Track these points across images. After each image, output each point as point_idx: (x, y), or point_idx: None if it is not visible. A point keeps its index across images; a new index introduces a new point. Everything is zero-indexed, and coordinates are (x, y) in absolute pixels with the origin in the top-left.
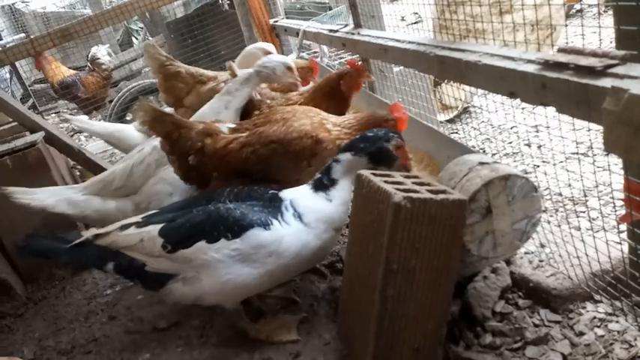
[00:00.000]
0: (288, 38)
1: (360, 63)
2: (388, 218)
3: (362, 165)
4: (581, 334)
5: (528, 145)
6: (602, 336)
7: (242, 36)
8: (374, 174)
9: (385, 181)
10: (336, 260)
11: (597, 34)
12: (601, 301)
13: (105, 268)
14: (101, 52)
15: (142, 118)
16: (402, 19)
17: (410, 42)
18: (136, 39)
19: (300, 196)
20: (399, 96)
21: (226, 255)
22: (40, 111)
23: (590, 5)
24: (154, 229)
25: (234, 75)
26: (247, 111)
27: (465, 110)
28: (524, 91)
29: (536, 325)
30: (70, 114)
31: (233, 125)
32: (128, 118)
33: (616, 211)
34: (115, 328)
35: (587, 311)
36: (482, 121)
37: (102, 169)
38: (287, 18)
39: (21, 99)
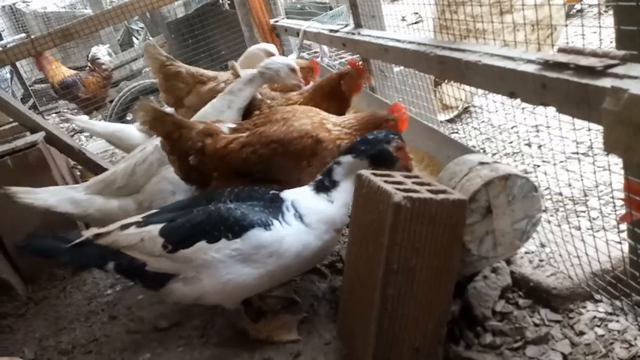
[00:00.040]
0: (289, 38)
1: (360, 63)
2: (388, 218)
3: (363, 167)
4: (582, 333)
5: (529, 145)
6: (603, 335)
7: (242, 36)
8: (374, 174)
9: (385, 181)
10: (337, 260)
11: (597, 34)
12: (601, 301)
13: (105, 267)
14: (101, 52)
15: (143, 118)
16: (403, 19)
17: (410, 42)
18: (137, 39)
19: (301, 197)
20: (399, 96)
21: (227, 255)
22: (40, 111)
23: (590, 5)
24: (155, 228)
25: (237, 75)
26: (248, 111)
27: (466, 110)
28: (525, 91)
29: (536, 325)
30: (71, 114)
31: (233, 125)
32: (128, 118)
33: (616, 210)
34: (116, 328)
35: (588, 311)
36: (483, 121)
37: (102, 169)
38: (287, 18)
39: (21, 99)
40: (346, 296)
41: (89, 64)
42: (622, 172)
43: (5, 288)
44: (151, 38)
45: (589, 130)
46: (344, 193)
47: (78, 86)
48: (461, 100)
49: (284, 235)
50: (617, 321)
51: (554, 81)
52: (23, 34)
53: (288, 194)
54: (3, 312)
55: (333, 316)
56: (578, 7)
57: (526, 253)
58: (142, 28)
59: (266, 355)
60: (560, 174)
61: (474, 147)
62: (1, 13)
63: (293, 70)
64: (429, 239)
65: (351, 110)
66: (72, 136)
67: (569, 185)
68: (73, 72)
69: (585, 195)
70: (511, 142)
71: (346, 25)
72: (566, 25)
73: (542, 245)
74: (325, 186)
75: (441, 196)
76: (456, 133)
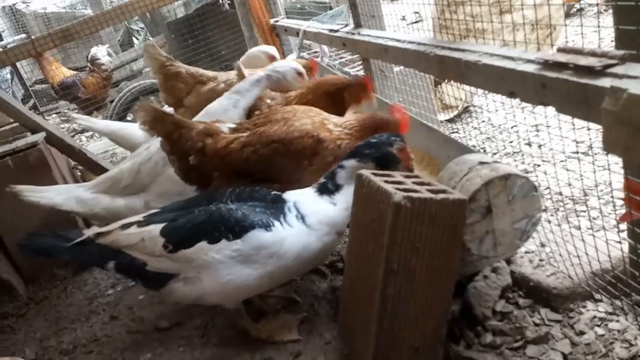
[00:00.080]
0: (289, 38)
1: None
2: (388, 218)
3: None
4: (582, 333)
5: (529, 145)
6: (603, 335)
7: (242, 36)
8: (374, 174)
9: (385, 181)
10: (337, 260)
11: (597, 33)
12: (601, 300)
13: (106, 266)
14: (101, 53)
15: (143, 118)
16: (403, 19)
17: (410, 42)
18: (137, 39)
19: (304, 198)
20: (399, 96)
21: (227, 256)
22: (41, 111)
23: (590, 5)
24: (155, 228)
25: (242, 76)
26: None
27: (466, 110)
28: (524, 90)
29: (536, 325)
30: (74, 113)
31: (233, 125)
32: (129, 118)
33: (616, 210)
34: (117, 328)
35: (588, 310)
36: (483, 121)
37: (103, 170)
38: (287, 18)
39: (22, 99)
40: (346, 296)
41: (89, 65)
42: (622, 171)
43: (6, 288)
44: (151, 38)
45: (589, 129)
46: (347, 196)
47: (77, 87)
48: (461, 99)
49: (285, 237)
50: (617, 320)
51: (553, 81)
52: (23, 35)
53: (291, 195)
54: (4, 312)
55: (333, 315)
56: (577, 6)
57: (526, 252)
58: (142, 28)
59: (267, 355)
60: (560, 173)
61: (474, 146)
62: (1, 14)
63: (300, 73)
64: (429, 239)
65: (351, 110)
66: (72, 136)
67: (569, 185)
68: (72, 72)
69: (585, 194)
70: (511, 142)
71: (346, 25)
72: (566, 25)
73: (543, 245)
74: (328, 189)
75: (441, 195)
76: (456, 132)
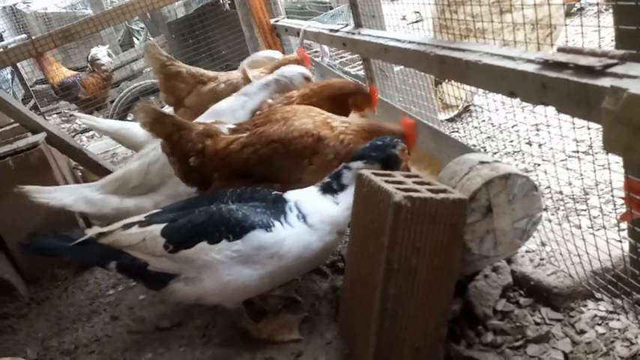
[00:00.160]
0: (289, 38)
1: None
2: (389, 218)
3: None
4: (582, 332)
5: (529, 144)
6: (603, 334)
7: (243, 36)
8: (375, 173)
9: (386, 181)
10: (338, 259)
11: (597, 32)
12: (602, 299)
13: (108, 266)
14: (101, 53)
15: (143, 119)
16: (403, 19)
17: (410, 42)
18: (137, 39)
19: (305, 197)
20: (399, 95)
21: (227, 256)
22: (41, 112)
23: (590, 4)
24: (156, 228)
25: (246, 79)
26: None
27: (466, 109)
28: (524, 90)
29: (537, 324)
30: (71, 115)
31: (233, 126)
32: (129, 119)
33: (616, 209)
34: (118, 328)
35: (588, 309)
36: (483, 120)
37: (104, 170)
38: (288, 18)
39: (22, 100)
40: (347, 296)
41: (89, 65)
42: (622, 170)
43: (7, 288)
44: (151, 38)
45: (589, 128)
46: (350, 196)
47: (77, 87)
48: (461, 99)
49: (285, 237)
50: (618, 319)
51: (553, 80)
52: (24, 35)
53: (292, 195)
54: (5, 312)
55: (334, 315)
56: (578, 5)
57: (527, 251)
58: (143, 28)
59: (268, 355)
60: (560, 173)
61: (475, 146)
62: (1, 14)
63: (307, 78)
64: (429, 238)
65: (355, 115)
66: (73, 136)
67: (570, 184)
68: (73, 73)
69: (586, 193)
70: (511, 141)
71: (346, 25)
72: (566, 25)
73: (543, 244)
74: (333, 188)
75: (442, 195)
76: (457, 132)
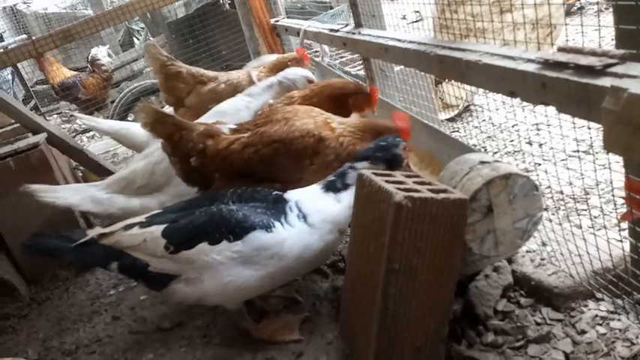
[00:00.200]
0: (289, 38)
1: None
2: (389, 218)
3: None
4: (583, 332)
5: (529, 144)
6: (604, 334)
7: (243, 36)
8: (375, 173)
9: (386, 181)
10: (338, 259)
11: (598, 31)
12: (603, 299)
13: (109, 267)
14: (101, 54)
15: (144, 119)
16: (404, 18)
17: (410, 41)
18: (137, 39)
19: (307, 196)
20: (400, 95)
21: (228, 257)
22: (42, 112)
23: (590, 3)
24: (157, 229)
25: (252, 82)
26: None
27: (466, 109)
28: (525, 90)
29: (538, 324)
30: (72, 115)
31: (234, 126)
32: (130, 119)
33: (617, 209)
34: (119, 329)
35: (589, 309)
36: (484, 120)
37: (104, 170)
38: (288, 17)
39: (23, 100)
40: (348, 296)
41: (89, 66)
42: (623, 170)
43: (8, 289)
44: (151, 38)
45: (589, 128)
46: (353, 196)
47: (78, 87)
48: (461, 98)
49: (285, 237)
50: (619, 319)
51: (554, 80)
52: (24, 36)
53: (293, 195)
54: (6, 313)
55: (335, 315)
56: (578, 4)
57: (527, 251)
58: (143, 28)
59: (268, 355)
60: (561, 172)
61: (475, 145)
62: (2, 15)
63: (310, 81)
64: (430, 238)
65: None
66: (73, 136)
67: (570, 184)
68: (73, 73)
69: (586, 193)
70: (512, 141)
71: (346, 25)
72: (566, 25)
73: (544, 244)
74: (336, 187)
75: (442, 195)
76: (457, 131)
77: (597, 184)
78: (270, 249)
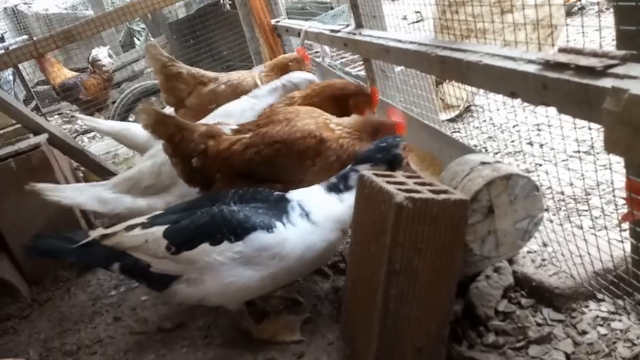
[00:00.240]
0: (290, 38)
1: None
2: (390, 218)
3: None
4: (584, 332)
5: (530, 144)
6: (605, 335)
7: (244, 37)
8: (376, 174)
9: (387, 182)
10: (339, 260)
11: (598, 31)
12: (604, 300)
13: (111, 268)
14: (102, 54)
15: (145, 121)
16: (404, 18)
17: (411, 42)
18: (138, 40)
19: (309, 195)
20: (400, 96)
21: (229, 258)
22: (43, 113)
23: (591, 3)
24: (159, 230)
25: (256, 86)
26: None
27: (467, 109)
28: (525, 91)
29: (539, 324)
30: (72, 116)
31: (236, 126)
32: (131, 120)
33: (618, 209)
34: (120, 329)
35: (590, 310)
36: (484, 120)
37: (105, 171)
38: (288, 18)
39: (24, 101)
40: (349, 297)
41: (90, 66)
42: (624, 170)
43: (9, 289)
44: (152, 39)
45: (590, 128)
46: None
47: (79, 88)
48: (462, 99)
49: (287, 238)
50: (620, 320)
51: (554, 81)
52: (25, 36)
53: (295, 194)
54: (7, 314)
55: (336, 316)
56: (579, 4)
57: (528, 252)
58: (144, 28)
59: (269, 356)
60: (561, 173)
61: (476, 146)
62: (3, 15)
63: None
64: (431, 239)
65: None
66: (74, 137)
67: (571, 184)
68: (74, 74)
69: (587, 194)
70: (513, 141)
71: (347, 26)
72: (567, 25)
73: (545, 244)
74: (339, 188)
75: (443, 196)
76: (458, 132)
77: (598, 185)
78: (272, 249)
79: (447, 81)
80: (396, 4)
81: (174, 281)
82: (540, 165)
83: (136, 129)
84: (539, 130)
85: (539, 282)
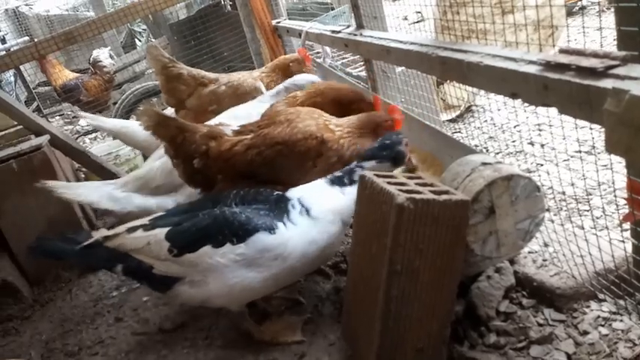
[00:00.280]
0: (291, 39)
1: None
2: (391, 219)
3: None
4: (585, 333)
5: (531, 144)
6: (607, 335)
7: (244, 37)
8: (377, 175)
9: (388, 182)
10: (340, 261)
11: (599, 31)
12: (605, 300)
13: (114, 269)
14: (103, 55)
15: (146, 122)
16: (405, 19)
17: (412, 43)
18: (139, 41)
19: (309, 190)
20: (401, 96)
21: (231, 259)
22: (44, 114)
23: (592, 2)
24: (161, 232)
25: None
26: None
27: (468, 110)
28: (526, 92)
29: (540, 325)
30: (75, 116)
31: (237, 127)
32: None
33: (619, 210)
34: (122, 330)
35: (591, 310)
36: (485, 121)
37: (106, 171)
38: (289, 19)
39: (25, 102)
40: (350, 297)
41: (91, 67)
42: (625, 170)
43: (11, 290)
44: (153, 40)
45: (591, 128)
46: None
47: (80, 89)
48: (463, 99)
49: (288, 237)
50: (621, 320)
51: (555, 82)
52: (27, 38)
53: (295, 192)
54: (9, 314)
55: (337, 316)
56: (580, 4)
57: (529, 252)
58: (145, 30)
59: (271, 357)
60: (562, 173)
61: (477, 146)
62: (4, 17)
63: None
64: (432, 240)
65: None
66: (76, 138)
67: (572, 184)
68: (75, 75)
69: (588, 194)
70: (514, 142)
71: (348, 26)
72: (567, 26)
73: (546, 245)
74: (343, 182)
75: (444, 196)
76: (459, 132)
77: (599, 185)
78: (274, 250)
79: (448, 81)
80: (396, 4)
81: (177, 283)
82: (541, 165)
83: (135, 127)
84: (540, 130)
85: (540, 282)
